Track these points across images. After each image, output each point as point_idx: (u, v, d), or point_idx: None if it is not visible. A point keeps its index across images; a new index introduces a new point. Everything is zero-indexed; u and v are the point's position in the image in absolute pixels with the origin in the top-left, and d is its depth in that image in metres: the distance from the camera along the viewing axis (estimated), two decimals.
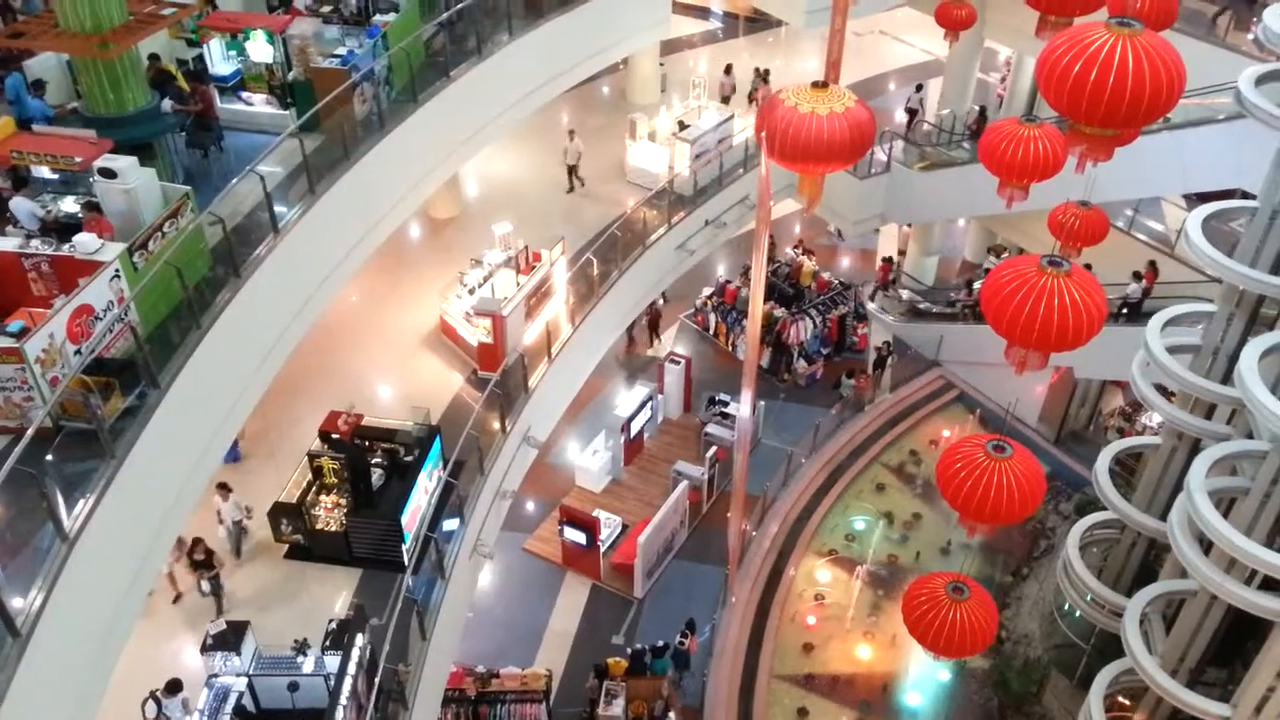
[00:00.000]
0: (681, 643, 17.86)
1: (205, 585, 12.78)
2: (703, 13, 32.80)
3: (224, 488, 13.17)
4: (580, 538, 19.59)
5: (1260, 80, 12.09)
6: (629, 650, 17.92)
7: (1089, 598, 15.88)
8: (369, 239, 13.60)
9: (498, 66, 15.62)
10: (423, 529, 13.33)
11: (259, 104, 14.21)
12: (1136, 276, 19.49)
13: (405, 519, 13.14)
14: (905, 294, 25.65)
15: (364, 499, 13.31)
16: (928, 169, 22.45)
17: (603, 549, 19.76)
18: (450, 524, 13.87)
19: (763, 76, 25.43)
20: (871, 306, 25.78)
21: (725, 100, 24.69)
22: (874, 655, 18.57)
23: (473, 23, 15.70)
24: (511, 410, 15.55)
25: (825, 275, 25.54)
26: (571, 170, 21.37)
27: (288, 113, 13.85)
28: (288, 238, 11.50)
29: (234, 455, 14.28)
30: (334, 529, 13.32)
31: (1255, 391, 10.52)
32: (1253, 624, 12.47)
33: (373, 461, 13.59)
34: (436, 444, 14.15)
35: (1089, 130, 5.47)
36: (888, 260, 26.24)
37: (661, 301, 24.49)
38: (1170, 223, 21.19)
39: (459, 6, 15.35)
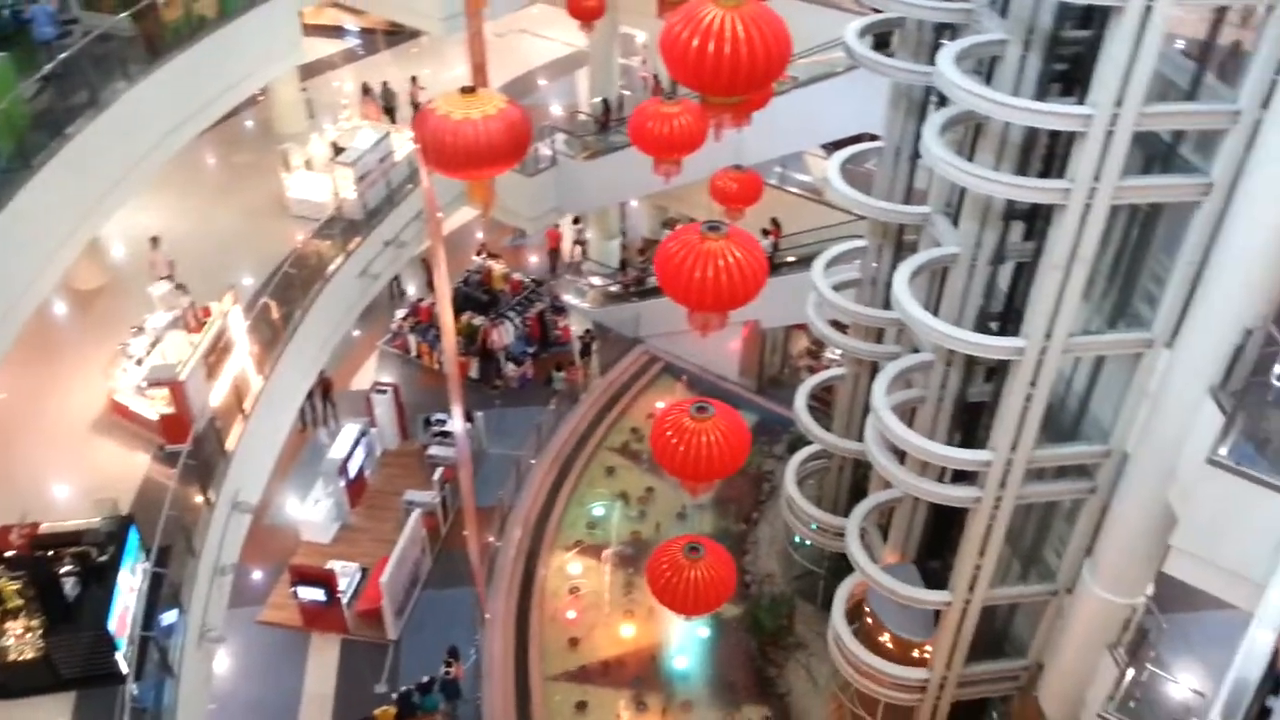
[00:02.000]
0: (447, 673, 17.40)
1: None
2: (337, 32, 31.87)
3: None
4: (318, 594, 18.56)
5: (864, 32, 13.32)
6: (394, 695, 17.23)
7: (814, 526, 17.03)
8: (2, 328, 12.11)
9: (121, 117, 14.29)
10: (137, 630, 12.08)
11: None
12: (764, 233, 21.04)
13: (113, 625, 11.82)
14: (596, 280, 26.29)
15: (60, 614, 11.81)
16: (591, 158, 23.08)
17: (345, 600, 18.82)
18: (168, 616, 12.66)
19: (365, 89, 25.21)
20: (568, 298, 26.23)
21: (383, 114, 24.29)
22: (637, 631, 18.99)
23: (82, 73, 14.29)
24: (213, 479, 14.42)
25: (516, 276, 25.67)
26: (168, 280, 17.62)
27: None
28: None
29: None
30: (31, 656, 11.72)
31: (909, 309, 11.62)
32: (952, 515, 13.87)
33: (61, 571, 12.06)
34: (133, 535, 12.81)
35: (717, 100, 5.79)
36: (555, 225, 26.64)
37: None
38: (816, 172, 23.03)
39: (61, 57, 13.92)
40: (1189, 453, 10.26)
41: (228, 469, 14.71)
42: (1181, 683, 12.29)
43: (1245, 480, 9.47)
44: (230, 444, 15.04)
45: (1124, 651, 12.17)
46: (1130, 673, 11.97)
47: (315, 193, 20.48)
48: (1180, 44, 10.73)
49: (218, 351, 15.98)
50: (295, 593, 18.68)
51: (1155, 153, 10.69)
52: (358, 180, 19.79)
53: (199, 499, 14.12)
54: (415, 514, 19.89)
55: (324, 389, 22.61)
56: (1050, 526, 14.02)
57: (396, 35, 31.25)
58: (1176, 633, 13.17)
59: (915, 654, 14.70)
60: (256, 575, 19.74)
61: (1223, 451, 9.56)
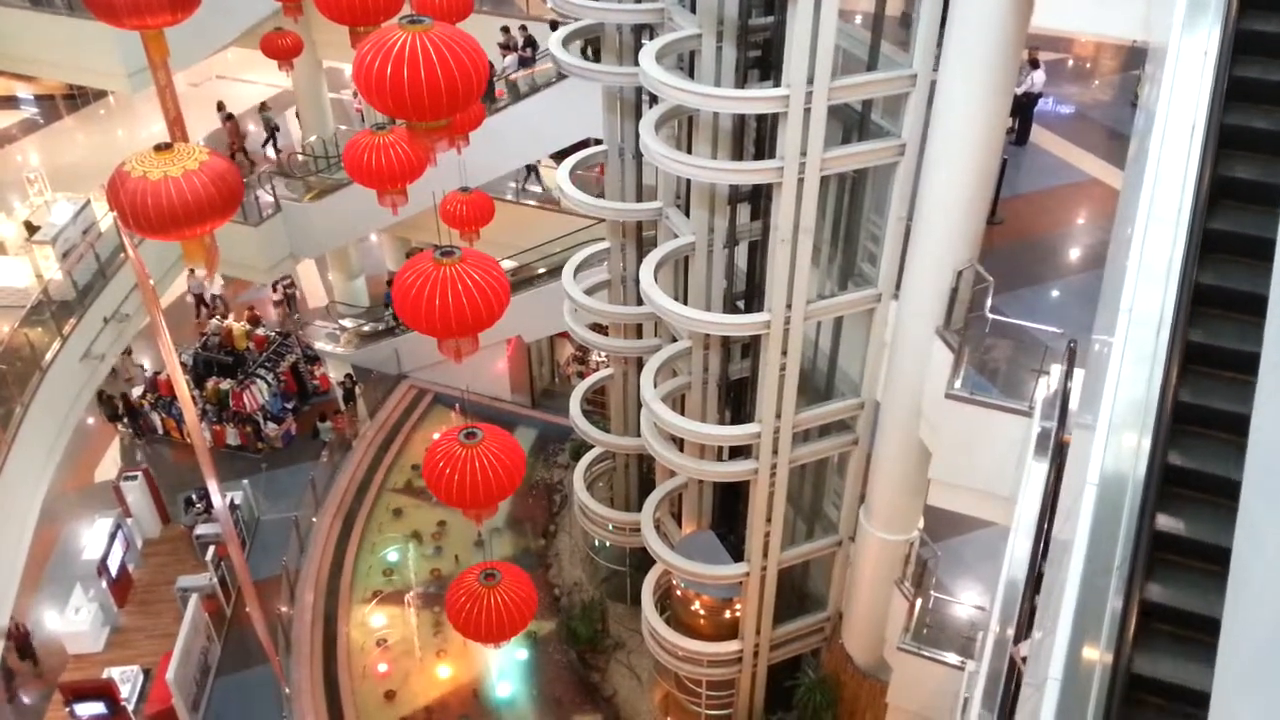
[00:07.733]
0: None
1: None
2: (9, 102, 29.29)
3: None
4: (98, 709, 16.90)
5: (567, 40, 13.50)
6: None
7: (610, 527, 17.17)
8: None
9: None
10: None
11: None
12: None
13: None
14: (347, 323, 25.41)
15: None
16: (317, 198, 22.27)
17: (131, 707, 17.29)
18: None
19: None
20: (320, 345, 25.19)
21: None
22: (454, 670, 18.52)
23: None
24: None
25: (260, 331, 24.41)
26: None
27: None
28: None
29: None
30: None
31: (659, 301, 11.91)
32: (738, 489, 14.33)
33: None
34: None
35: (422, 126, 5.67)
36: None
37: None
38: (549, 182, 23.17)
39: None
40: (929, 391, 11.09)
41: None
42: (964, 601, 13.29)
43: (981, 407, 10.35)
44: None
45: (909, 584, 13.00)
46: (918, 603, 12.80)
47: (13, 278, 18.72)
48: (859, 19, 11.56)
49: None
50: (72, 711, 16.99)
51: (851, 123, 11.45)
52: (61, 258, 18.25)
53: None
54: (193, 600, 18.56)
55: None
56: (825, 482, 14.78)
57: (77, 99, 29.04)
58: (951, 558, 14.23)
59: (728, 614, 15.12)
60: (24, 701, 17.88)
61: (957, 385, 10.40)
